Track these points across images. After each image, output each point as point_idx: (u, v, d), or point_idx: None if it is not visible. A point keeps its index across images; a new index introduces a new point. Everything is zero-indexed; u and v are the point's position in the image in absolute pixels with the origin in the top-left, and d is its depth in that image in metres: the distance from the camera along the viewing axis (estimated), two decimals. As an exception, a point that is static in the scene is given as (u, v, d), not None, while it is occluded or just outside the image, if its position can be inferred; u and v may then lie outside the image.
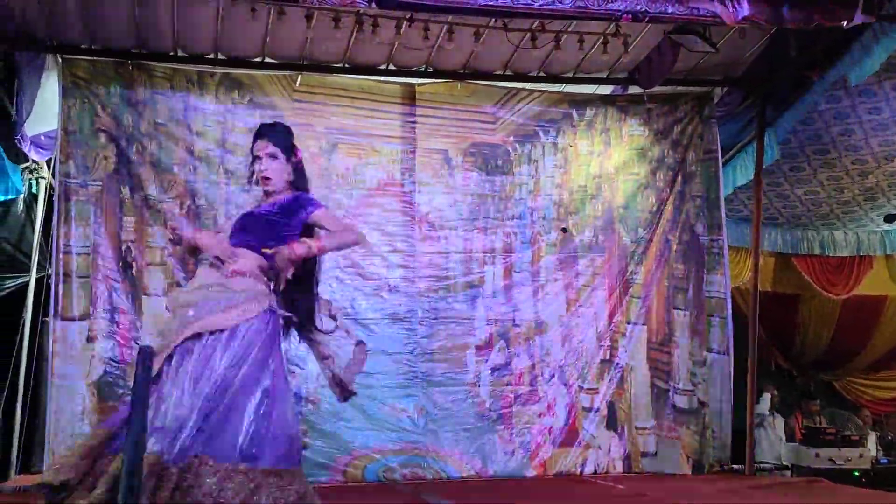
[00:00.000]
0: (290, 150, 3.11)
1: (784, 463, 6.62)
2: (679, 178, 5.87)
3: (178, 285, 5.04)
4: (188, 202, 5.19)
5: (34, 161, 5.38)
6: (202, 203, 5.22)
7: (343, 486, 4.97)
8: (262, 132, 3.13)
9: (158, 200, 5.14)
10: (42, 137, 5.17)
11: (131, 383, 2.73)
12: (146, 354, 2.24)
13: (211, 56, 5.25)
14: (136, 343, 4.89)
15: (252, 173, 3.13)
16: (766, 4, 4.33)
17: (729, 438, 5.70)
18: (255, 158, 3.09)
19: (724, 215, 5.88)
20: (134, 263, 5.08)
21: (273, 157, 3.06)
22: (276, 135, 3.12)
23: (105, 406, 4.82)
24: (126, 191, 5.12)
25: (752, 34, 5.16)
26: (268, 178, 3.05)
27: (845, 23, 4.42)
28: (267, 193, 3.10)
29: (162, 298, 5.05)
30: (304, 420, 5.09)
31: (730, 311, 5.79)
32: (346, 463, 5.09)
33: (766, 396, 7.30)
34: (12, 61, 4.93)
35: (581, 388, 5.61)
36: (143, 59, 5.18)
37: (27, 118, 4.93)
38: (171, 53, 5.19)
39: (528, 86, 5.72)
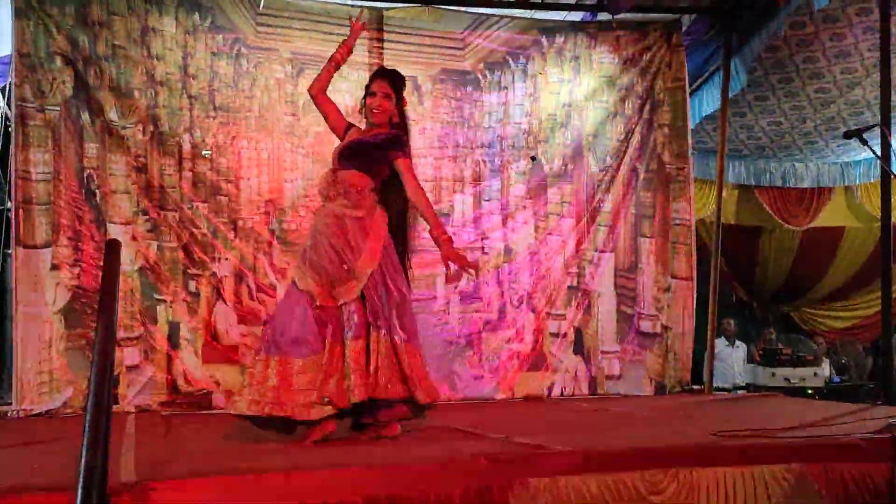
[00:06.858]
0: (400, 95, 3.63)
1: (741, 383, 6.86)
2: (647, 107, 5.88)
3: (143, 213, 5.00)
4: (150, 128, 5.07)
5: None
6: (165, 129, 5.10)
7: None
8: (384, 74, 3.68)
9: (120, 127, 5.02)
10: (-1, 65, 5.01)
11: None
12: (115, 247, 2.22)
13: (170, -26, 5.08)
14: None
15: (363, 105, 3.65)
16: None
17: (690, 361, 5.89)
18: (371, 94, 3.60)
19: (690, 143, 5.94)
20: (98, 191, 4.97)
21: (387, 96, 3.57)
22: (396, 80, 3.64)
23: (72, 333, 4.77)
24: (86, 116, 4.95)
25: (720, -42, 5.15)
26: (379, 114, 3.58)
27: (813, -57, 4.43)
28: (372, 126, 3.62)
29: (128, 227, 5.00)
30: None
31: (694, 238, 5.91)
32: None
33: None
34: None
35: (549, 314, 5.69)
36: (97, -23, 4.98)
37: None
38: (128, -30, 5.02)
39: (498, 12, 5.64)
